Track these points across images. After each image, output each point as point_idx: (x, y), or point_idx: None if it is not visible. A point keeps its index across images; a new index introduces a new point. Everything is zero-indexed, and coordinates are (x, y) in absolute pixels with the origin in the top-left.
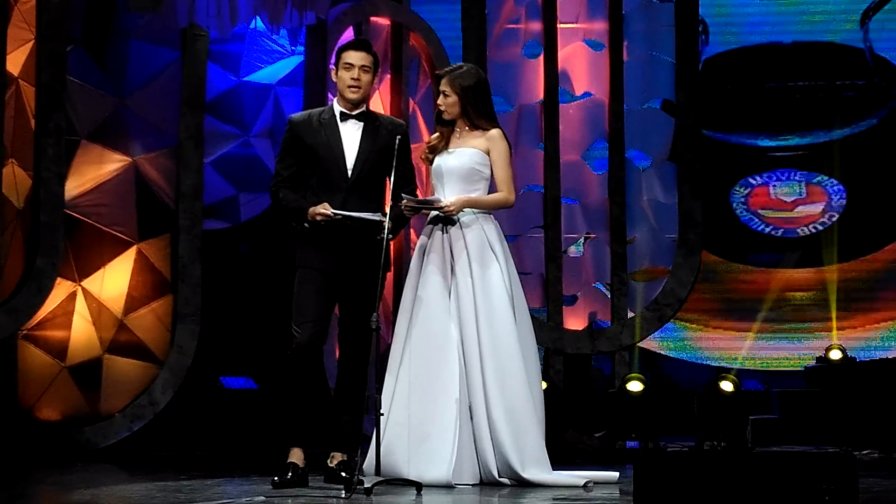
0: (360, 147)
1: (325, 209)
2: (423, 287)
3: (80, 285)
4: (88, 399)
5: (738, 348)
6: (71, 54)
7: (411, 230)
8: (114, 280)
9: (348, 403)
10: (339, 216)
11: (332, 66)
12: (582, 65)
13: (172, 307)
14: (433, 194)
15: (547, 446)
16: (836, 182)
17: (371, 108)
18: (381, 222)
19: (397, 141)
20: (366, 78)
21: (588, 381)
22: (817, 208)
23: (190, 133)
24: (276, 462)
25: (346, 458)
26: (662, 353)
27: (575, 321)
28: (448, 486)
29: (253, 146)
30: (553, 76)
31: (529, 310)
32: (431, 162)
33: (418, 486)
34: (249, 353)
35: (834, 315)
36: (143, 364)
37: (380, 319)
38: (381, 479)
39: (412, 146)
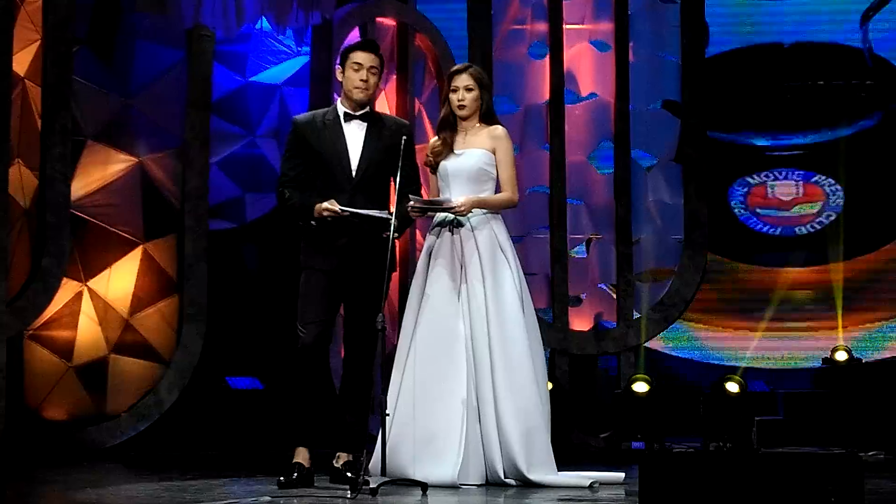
0: (364, 147)
1: (332, 205)
2: (431, 287)
3: (86, 285)
4: (94, 399)
5: (744, 347)
6: (77, 55)
7: (417, 231)
8: (120, 280)
9: (353, 404)
10: (347, 213)
11: (336, 66)
12: (588, 65)
13: (178, 307)
14: (439, 196)
15: (553, 447)
16: (833, 182)
17: (377, 108)
18: (388, 220)
19: (403, 141)
20: (373, 80)
21: (594, 381)
22: (815, 208)
23: (196, 133)
24: (282, 462)
25: (351, 458)
26: (667, 352)
27: (581, 322)
28: (453, 487)
29: (259, 146)
30: (559, 77)
31: (535, 311)
32: (435, 166)
33: (424, 487)
34: (255, 353)
35: (840, 313)
36: (148, 364)
37: (385, 319)
38: (386, 479)
39: (417, 147)
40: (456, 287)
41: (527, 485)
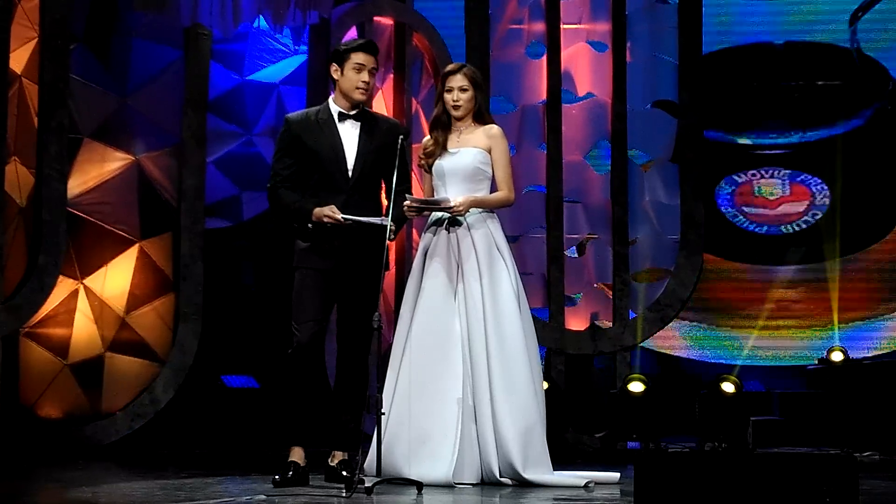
0: (358, 147)
1: (333, 213)
2: (427, 287)
3: (82, 283)
4: (90, 397)
5: (738, 347)
6: (74, 52)
7: (413, 229)
8: (116, 278)
9: (348, 402)
10: (349, 221)
11: (332, 64)
12: (585, 65)
13: (174, 306)
14: (434, 195)
15: (548, 446)
16: (819, 181)
17: (374, 107)
18: (388, 227)
19: (400, 140)
20: (372, 81)
21: (589, 381)
22: (801, 206)
23: (192, 132)
24: (277, 461)
25: (346, 457)
26: (664, 352)
27: (577, 321)
28: (448, 486)
29: (256, 145)
30: (556, 77)
31: (531, 310)
32: (430, 166)
33: (419, 486)
34: (251, 352)
35: (835, 308)
36: (144, 362)
37: (381, 318)
38: (381, 478)
39: (414, 146)
40: (452, 286)
41: (522, 484)
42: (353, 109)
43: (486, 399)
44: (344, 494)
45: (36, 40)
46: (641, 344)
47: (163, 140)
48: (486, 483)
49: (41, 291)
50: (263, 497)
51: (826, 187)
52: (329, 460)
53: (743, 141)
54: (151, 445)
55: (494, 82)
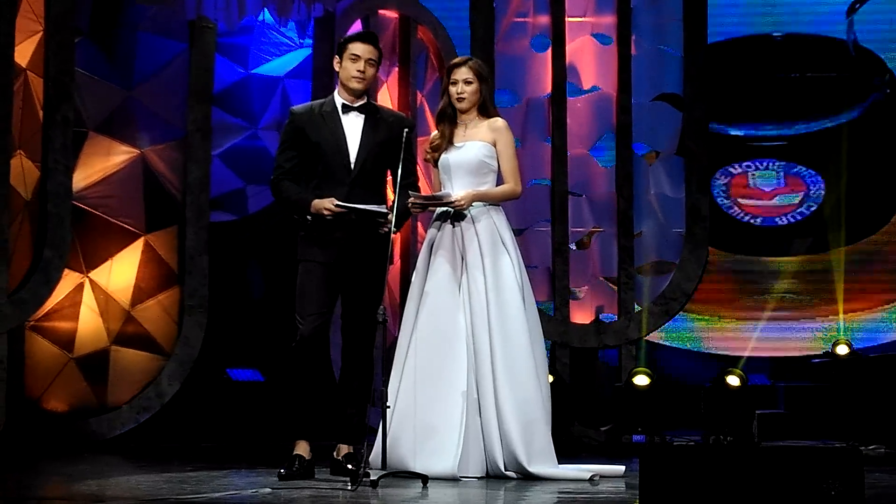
0: (362, 139)
1: (330, 204)
2: (432, 280)
3: (87, 277)
4: (95, 390)
5: (745, 338)
6: (79, 46)
7: (418, 223)
8: (121, 271)
9: (353, 396)
10: (344, 209)
11: (335, 56)
12: (590, 58)
13: (179, 299)
14: (441, 189)
15: (553, 440)
16: (814, 173)
17: (379, 100)
18: (386, 214)
19: (404, 133)
20: (370, 71)
21: (594, 374)
22: (796, 198)
23: (197, 125)
24: (283, 454)
25: (352, 451)
26: (667, 343)
27: (581, 315)
28: (453, 479)
29: (261, 138)
30: (561, 70)
31: (536, 304)
32: (436, 160)
33: (424, 479)
34: (256, 345)
35: (840, 298)
36: (149, 355)
37: (386, 312)
38: (387, 471)
39: (420, 139)
40: (457, 279)
41: (527, 477)
42: (357, 101)
43: (490, 393)
44: (349, 487)
45: (41, 34)
46: (646, 337)
47: (168, 133)
48: (492, 476)
49: (47, 285)
50: (269, 490)
51: (820, 179)
52: (334, 454)
53: (737, 132)
54: (157, 438)
55: (499, 75)
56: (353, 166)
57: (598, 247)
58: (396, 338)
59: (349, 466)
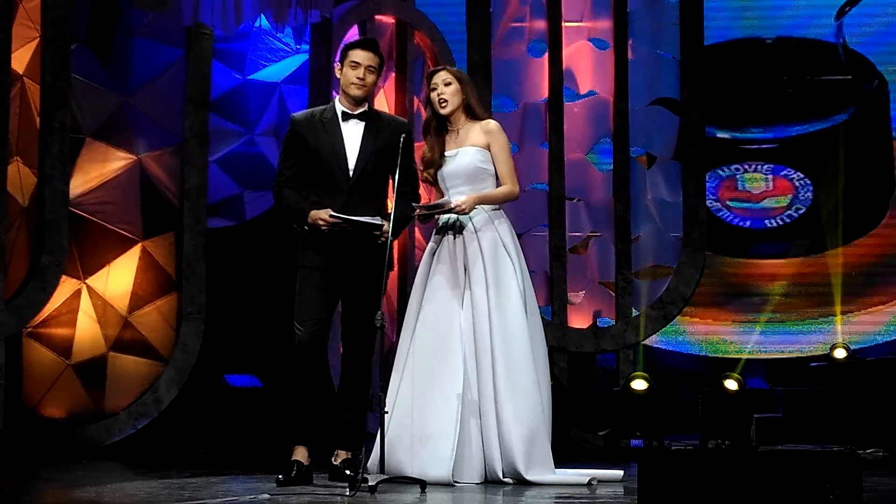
0: (361, 147)
1: (325, 215)
2: (432, 289)
3: (84, 283)
4: (93, 397)
5: (743, 342)
6: (76, 52)
7: (416, 229)
8: (118, 278)
9: (352, 401)
10: (339, 220)
11: (336, 63)
12: (587, 63)
13: (177, 305)
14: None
15: (551, 445)
16: (802, 175)
17: (375, 106)
18: (381, 226)
19: (402, 139)
20: (370, 78)
21: (592, 379)
22: (784, 201)
23: (195, 131)
24: (281, 460)
25: (350, 456)
26: (665, 348)
27: (579, 319)
28: (449, 485)
29: (258, 144)
30: (558, 74)
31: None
32: (434, 176)
33: (422, 484)
34: (254, 351)
35: (838, 301)
36: (147, 362)
37: (384, 317)
38: (385, 476)
39: (417, 144)
40: (459, 289)
41: (524, 484)
42: (357, 108)
43: (491, 400)
44: (347, 493)
45: (37, 40)
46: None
47: (165, 139)
48: (489, 482)
49: (44, 291)
50: (267, 496)
51: (809, 182)
52: (332, 459)
53: (723, 135)
54: (155, 445)
55: (496, 80)
56: (351, 174)
57: (596, 251)
58: (395, 343)
59: (347, 472)
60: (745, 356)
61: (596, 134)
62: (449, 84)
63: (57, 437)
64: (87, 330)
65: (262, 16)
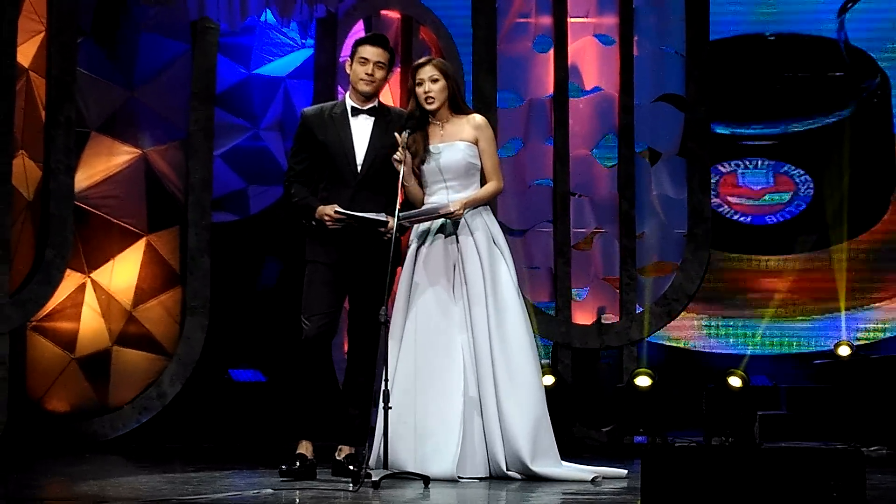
0: (370, 142)
1: (331, 210)
2: (421, 291)
3: (89, 277)
4: (97, 390)
5: (747, 338)
6: (81, 46)
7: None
8: (123, 272)
9: (356, 397)
10: (344, 216)
11: (346, 58)
12: (592, 59)
13: (181, 299)
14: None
15: (555, 440)
16: (803, 172)
17: (381, 100)
18: (385, 223)
19: (405, 135)
20: (379, 74)
21: (596, 375)
22: (784, 197)
23: (200, 125)
24: (285, 455)
25: (353, 452)
26: (669, 344)
27: (583, 316)
28: (452, 480)
29: (263, 139)
30: (563, 70)
31: (538, 304)
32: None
33: (426, 480)
34: (258, 345)
35: (843, 297)
36: (151, 356)
37: (389, 312)
38: (388, 472)
39: None
40: (451, 290)
41: (530, 478)
42: (366, 104)
43: (491, 394)
44: (351, 488)
45: (43, 34)
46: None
47: (170, 134)
48: (494, 476)
49: (48, 285)
50: (271, 491)
51: (809, 178)
52: (336, 454)
53: (724, 131)
54: (158, 439)
55: (501, 76)
56: (359, 169)
57: (601, 248)
58: None
59: (351, 467)
60: (748, 353)
61: (601, 130)
62: (436, 81)
63: (61, 431)
64: (91, 324)
65: (268, 10)
